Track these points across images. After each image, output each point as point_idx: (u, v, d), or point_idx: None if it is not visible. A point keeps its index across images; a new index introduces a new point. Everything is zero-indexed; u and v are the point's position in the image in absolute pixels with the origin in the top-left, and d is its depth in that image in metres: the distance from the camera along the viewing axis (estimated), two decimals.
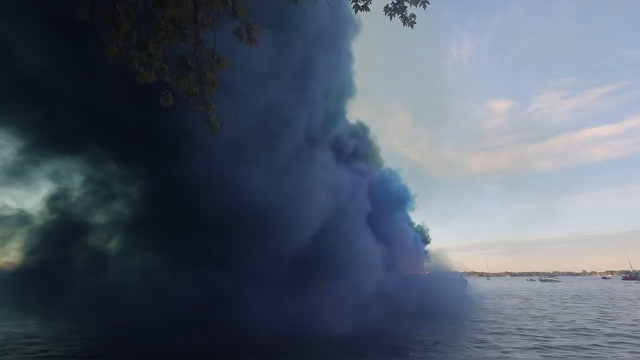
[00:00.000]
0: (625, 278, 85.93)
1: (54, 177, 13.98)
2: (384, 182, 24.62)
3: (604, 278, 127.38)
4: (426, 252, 30.73)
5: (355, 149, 22.60)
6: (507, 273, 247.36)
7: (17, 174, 13.28)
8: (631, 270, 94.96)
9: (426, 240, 33.82)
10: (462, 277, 31.97)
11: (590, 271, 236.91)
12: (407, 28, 3.42)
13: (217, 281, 11.57)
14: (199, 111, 2.80)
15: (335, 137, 18.73)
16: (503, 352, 9.99)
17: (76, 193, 14.18)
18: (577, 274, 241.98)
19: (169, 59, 2.73)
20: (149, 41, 2.50)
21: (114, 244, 14.12)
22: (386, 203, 22.77)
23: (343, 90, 18.50)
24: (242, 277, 11.70)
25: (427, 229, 35.12)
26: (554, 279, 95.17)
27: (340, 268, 13.28)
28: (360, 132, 25.11)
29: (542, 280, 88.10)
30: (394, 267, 19.03)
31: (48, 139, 12.86)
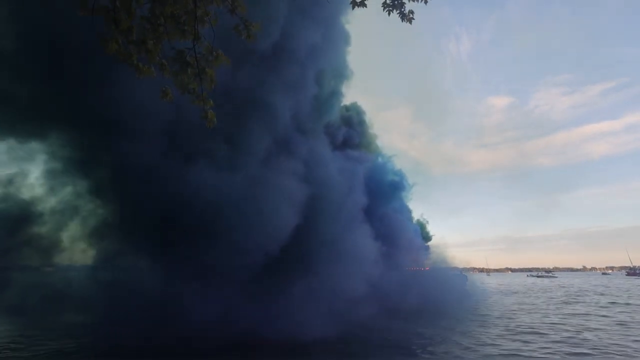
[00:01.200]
0: (629, 274, 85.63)
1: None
2: (378, 170, 22.54)
3: (603, 274, 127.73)
4: (427, 247, 29.83)
5: (348, 137, 20.76)
6: (507, 269, 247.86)
7: None
8: (633, 266, 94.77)
9: (427, 237, 32.97)
10: (462, 273, 31.94)
11: (590, 267, 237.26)
12: (406, 25, 3.44)
13: (167, 278, 10.71)
14: (197, 105, 2.84)
15: (326, 124, 17.02)
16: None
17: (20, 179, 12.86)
18: (577, 270, 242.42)
19: (169, 55, 2.76)
20: (147, 37, 2.53)
21: (59, 236, 12.93)
22: (381, 193, 21.04)
23: (338, 73, 16.78)
24: (195, 274, 10.66)
25: (427, 222, 33.33)
26: (550, 275, 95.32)
27: (321, 265, 12.05)
28: (354, 119, 22.95)
29: (538, 276, 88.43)
30: (391, 262, 18.03)
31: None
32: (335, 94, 17.12)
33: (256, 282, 11.18)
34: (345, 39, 16.14)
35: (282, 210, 11.21)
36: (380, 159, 24.53)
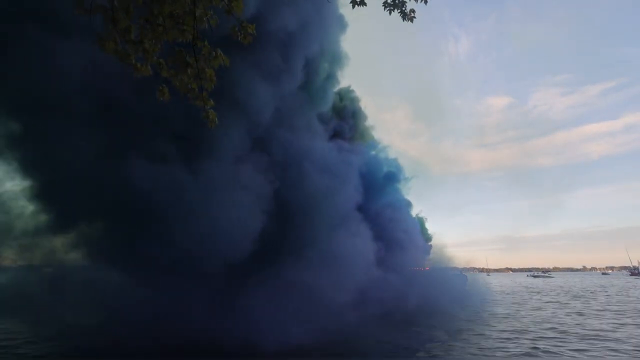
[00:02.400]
0: (633, 274, 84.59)
1: None
2: (373, 162, 20.42)
3: (603, 274, 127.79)
4: (429, 246, 28.05)
5: (340, 130, 18.99)
6: (507, 269, 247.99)
7: None
8: (634, 266, 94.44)
9: (426, 235, 31.84)
10: (462, 273, 31.85)
11: (590, 267, 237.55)
12: (405, 27, 3.42)
13: (114, 278, 10.17)
14: (197, 106, 2.82)
15: (318, 114, 15.59)
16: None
17: None
18: (577, 270, 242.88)
19: (169, 54, 2.74)
20: (146, 37, 2.51)
21: None
22: (377, 186, 19.52)
23: (332, 60, 15.18)
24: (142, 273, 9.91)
25: (425, 219, 30.47)
26: (546, 275, 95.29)
27: (296, 268, 10.97)
28: (348, 109, 20.69)
29: (534, 276, 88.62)
30: (389, 263, 16.98)
31: None
32: (329, 81, 15.66)
33: (217, 286, 10.25)
34: (340, 23, 14.79)
35: (243, 213, 10.12)
36: (374, 152, 22.45)
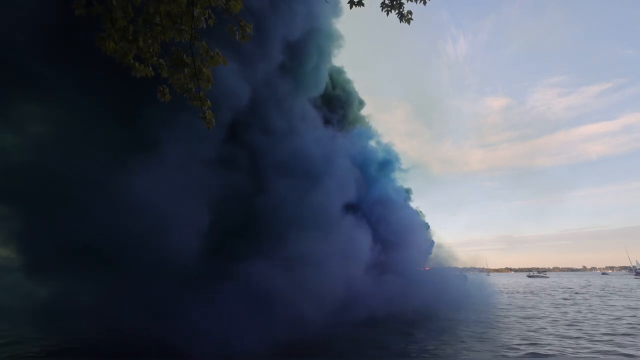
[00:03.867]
0: (638, 274, 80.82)
1: None
2: (368, 151, 18.70)
3: (603, 274, 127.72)
4: (432, 243, 26.62)
5: (328, 119, 17.29)
6: (507, 269, 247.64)
7: None
8: (633, 266, 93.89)
9: (427, 234, 30.24)
10: (462, 273, 31.84)
11: (590, 267, 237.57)
12: (404, 27, 3.42)
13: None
14: (194, 106, 2.83)
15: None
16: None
17: None
18: (577, 270, 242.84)
19: (168, 54, 2.75)
20: (146, 36, 2.52)
21: None
22: (372, 177, 17.94)
23: (323, 42, 13.90)
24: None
25: (423, 214, 28.38)
26: (542, 275, 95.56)
27: (260, 272, 9.79)
28: (339, 99, 18.79)
29: (530, 276, 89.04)
30: (384, 262, 15.88)
31: None
32: (321, 60, 14.20)
33: (152, 286, 9.23)
34: (333, 4, 13.86)
35: (181, 210, 9.16)
36: (368, 140, 20.47)
